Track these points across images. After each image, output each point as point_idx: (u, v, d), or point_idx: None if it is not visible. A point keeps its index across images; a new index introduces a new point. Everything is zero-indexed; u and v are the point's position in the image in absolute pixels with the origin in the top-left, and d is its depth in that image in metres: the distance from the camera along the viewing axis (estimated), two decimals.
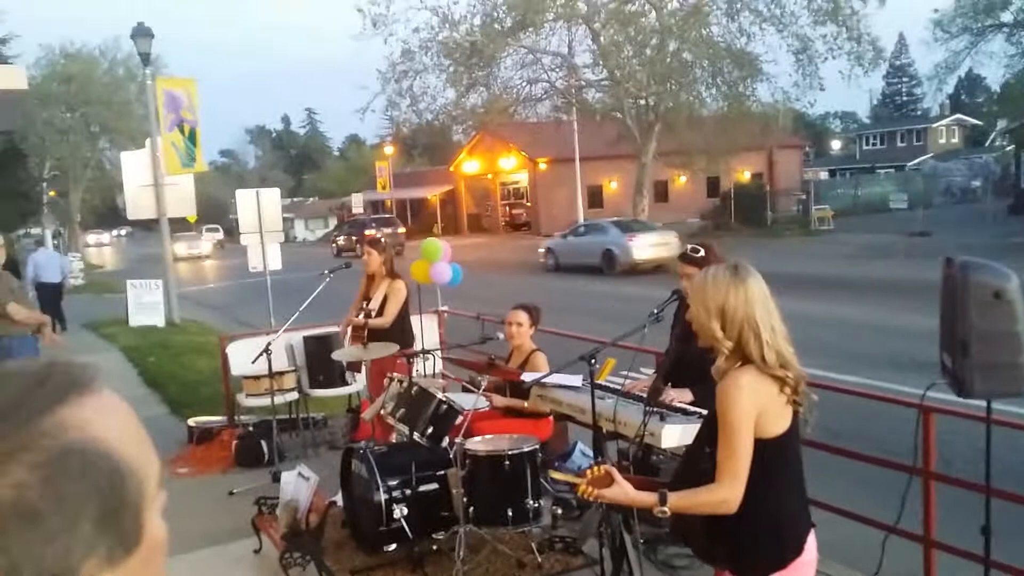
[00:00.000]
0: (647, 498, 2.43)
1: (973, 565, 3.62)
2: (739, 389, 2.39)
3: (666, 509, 2.41)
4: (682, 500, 2.42)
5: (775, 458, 2.44)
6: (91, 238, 67.35)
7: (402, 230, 38.94)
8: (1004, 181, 37.79)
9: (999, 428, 3.57)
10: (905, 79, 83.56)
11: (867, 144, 61.94)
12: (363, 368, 6.94)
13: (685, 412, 4.05)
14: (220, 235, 58.20)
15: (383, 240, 7.04)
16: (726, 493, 2.38)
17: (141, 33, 15.51)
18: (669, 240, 22.18)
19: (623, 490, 2.47)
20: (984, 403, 3.45)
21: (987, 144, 53.30)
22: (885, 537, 3.80)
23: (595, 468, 2.57)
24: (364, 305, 6.56)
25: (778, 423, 2.44)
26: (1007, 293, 3.25)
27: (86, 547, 0.69)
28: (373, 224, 37.12)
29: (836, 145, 75.70)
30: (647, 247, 21.74)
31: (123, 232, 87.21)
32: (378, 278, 6.71)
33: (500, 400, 5.54)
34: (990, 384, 3.30)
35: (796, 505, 2.57)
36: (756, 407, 2.40)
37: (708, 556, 2.75)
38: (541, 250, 25.91)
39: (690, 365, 3.97)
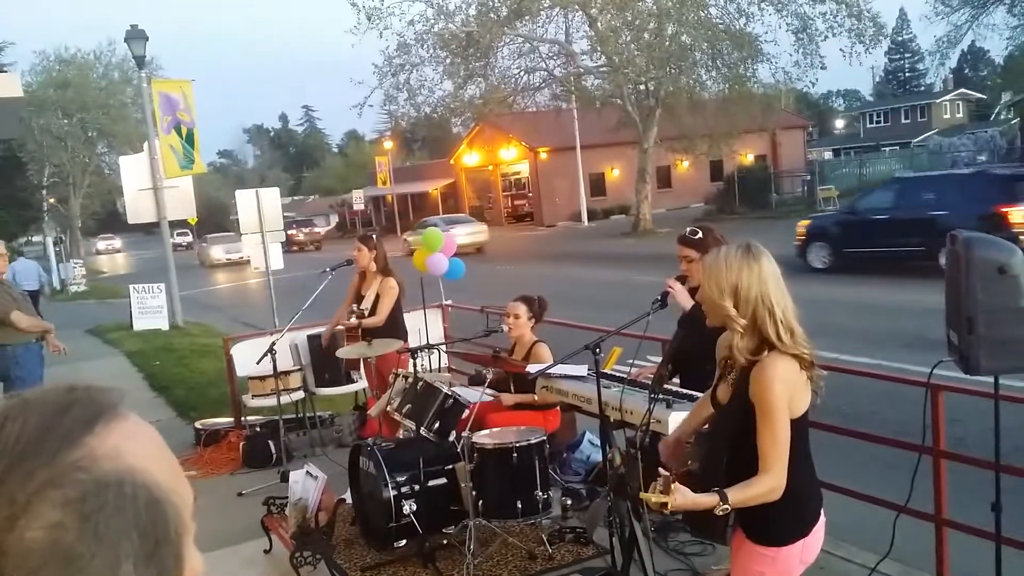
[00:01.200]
0: (709, 500, 2.42)
1: (985, 542, 3.59)
2: (776, 377, 2.44)
3: (728, 507, 2.42)
4: (739, 495, 2.44)
5: (799, 435, 2.51)
6: (101, 243, 66.14)
7: (320, 229, 45.26)
8: (1010, 155, 37.54)
9: (1010, 405, 3.54)
10: (907, 55, 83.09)
11: (871, 122, 61.59)
12: (363, 366, 6.93)
13: (691, 398, 4.02)
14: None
15: (372, 236, 6.99)
16: (776, 481, 2.44)
17: (135, 36, 15.48)
18: (481, 229, 31.15)
19: (683, 495, 2.42)
20: (992, 379, 3.42)
21: (992, 118, 52.90)
22: (896, 517, 3.77)
23: (661, 480, 2.50)
24: (355, 306, 6.54)
25: (802, 402, 2.51)
26: (1011, 268, 3.22)
27: None
28: (294, 225, 41.63)
29: (839, 124, 75.38)
30: (465, 236, 26.72)
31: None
32: (370, 275, 6.67)
33: (509, 398, 5.51)
34: (997, 360, 3.27)
35: (812, 475, 2.67)
36: (789, 391, 2.46)
37: (709, 531, 2.77)
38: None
39: (693, 351, 3.95)
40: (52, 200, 39.09)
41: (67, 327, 13.31)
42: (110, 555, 0.63)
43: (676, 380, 4.50)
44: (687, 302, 4.12)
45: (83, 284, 26.63)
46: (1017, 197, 13.09)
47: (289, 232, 49.37)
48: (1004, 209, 12.79)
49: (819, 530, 2.63)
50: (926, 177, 17.39)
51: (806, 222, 16.84)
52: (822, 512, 2.66)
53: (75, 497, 0.62)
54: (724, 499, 2.40)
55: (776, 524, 2.57)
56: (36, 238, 37.71)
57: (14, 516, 0.61)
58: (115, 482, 0.65)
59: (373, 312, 6.51)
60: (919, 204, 14.51)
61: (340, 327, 6.92)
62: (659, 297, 4.00)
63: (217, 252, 36.98)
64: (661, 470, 2.55)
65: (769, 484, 2.44)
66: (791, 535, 2.57)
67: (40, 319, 7.28)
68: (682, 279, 4.24)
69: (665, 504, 2.36)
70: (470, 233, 29.07)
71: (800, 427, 2.51)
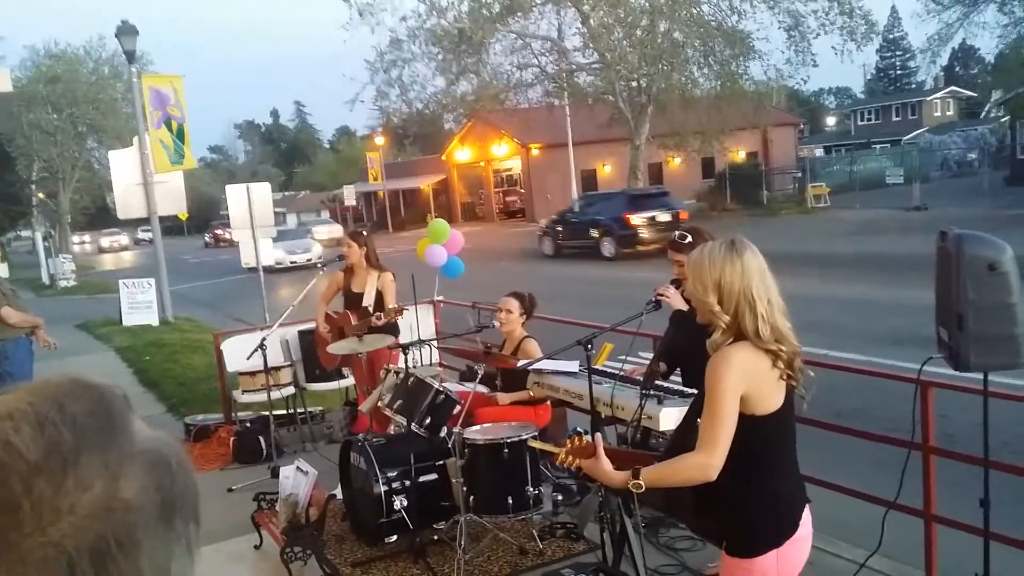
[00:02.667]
0: (620, 476, 2.42)
1: (974, 538, 3.61)
2: (726, 362, 2.39)
3: (640, 483, 2.40)
4: (656, 471, 2.42)
5: (768, 435, 2.44)
6: (105, 240, 59.90)
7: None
8: (1000, 153, 37.72)
9: (997, 401, 3.55)
10: (899, 52, 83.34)
11: (862, 119, 61.74)
12: (356, 362, 6.90)
13: (682, 394, 4.03)
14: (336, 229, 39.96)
15: (363, 232, 6.95)
16: (702, 458, 2.37)
17: (125, 31, 15.38)
18: (334, 229, 37.13)
19: (600, 465, 2.47)
20: (981, 376, 3.44)
21: (982, 116, 53.13)
22: (885, 513, 3.79)
23: (578, 438, 2.56)
24: (333, 311, 6.46)
25: (771, 400, 2.43)
26: (1001, 265, 3.23)
27: (191, 546, 0.72)
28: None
29: (831, 121, 75.59)
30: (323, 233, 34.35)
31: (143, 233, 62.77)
32: (360, 271, 6.61)
33: (505, 398, 5.50)
34: (986, 357, 3.29)
35: (790, 482, 2.56)
36: (745, 383, 2.39)
37: (708, 534, 2.76)
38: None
39: (685, 349, 3.95)
40: (41, 195, 38.81)
41: (56, 322, 13.20)
42: (186, 512, 0.72)
43: (675, 377, 4.51)
44: (682, 304, 4.12)
45: (72, 279, 26.48)
46: (639, 208, 21.67)
47: (216, 231, 50.52)
48: (627, 215, 21.52)
49: (800, 540, 2.50)
50: (595, 195, 27.47)
51: (543, 222, 24.46)
52: (806, 523, 2.53)
53: (157, 460, 0.71)
54: (636, 474, 2.39)
55: (745, 533, 2.48)
56: (25, 233, 37.44)
57: (116, 478, 0.67)
58: (173, 452, 0.74)
59: (378, 308, 6.40)
60: (590, 212, 23.28)
61: (333, 325, 6.88)
62: (652, 300, 4.01)
63: (280, 252, 24.62)
64: (594, 436, 2.57)
65: (695, 460, 2.37)
66: (762, 545, 2.46)
67: (31, 315, 7.25)
68: (676, 283, 4.23)
69: (578, 466, 2.49)
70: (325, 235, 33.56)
71: (769, 428, 2.42)
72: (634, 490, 2.41)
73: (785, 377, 2.44)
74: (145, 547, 0.67)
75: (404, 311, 6.31)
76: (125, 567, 0.65)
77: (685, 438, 2.60)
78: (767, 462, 2.46)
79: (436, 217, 8.82)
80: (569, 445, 2.56)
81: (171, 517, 0.69)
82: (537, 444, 2.91)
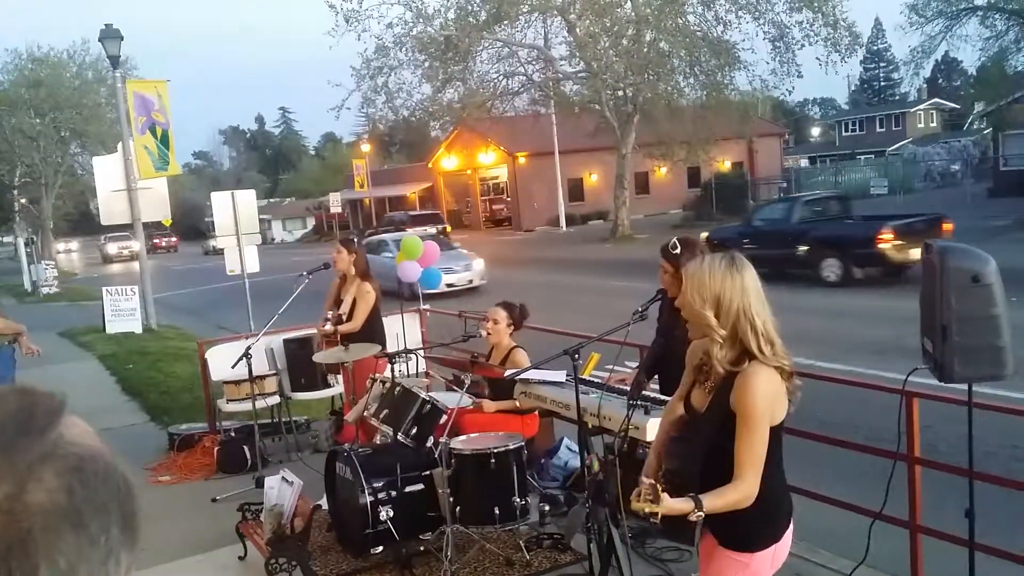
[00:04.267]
0: (683, 505, 2.41)
1: (959, 548, 3.63)
2: (760, 389, 2.45)
3: (702, 513, 2.41)
4: (712, 502, 2.44)
5: (774, 443, 2.53)
6: (112, 247, 49.05)
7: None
8: (983, 164, 38.13)
9: (982, 412, 3.58)
10: (882, 64, 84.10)
11: (846, 130, 62.25)
12: (342, 372, 6.89)
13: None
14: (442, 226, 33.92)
15: (354, 240, 6.96)
16: (750, 490, 2.45)
17: (109, 35, 15.30)
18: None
19: (667, 504, 2.41)
20: (965, 387, 3.46)
21: (965, 127, 53.70)
22: (871, 523, 3.80)
23: (646, 489, 2.49)
24: (331, 312, 6.51)
25: (781, 412, 2.53)
26: (985, 277, 3.26)
27: (117, 553, 0.71)
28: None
29: (816, 132, 76.12)
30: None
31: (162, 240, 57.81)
32: (349, 279, 6.63)
33: (491, 406, 5.48)
34: (970, 368, 3.31)
35: (783, 481, 2.68)
36: (771, 403, 2.47)
37: (675, 532, 2.78)
38: None
39: (671, 359, 3.96)
40: (24, 201, 38.54)
41: (38, 329, 13.07)
42: (103, 519, 0.71)
43: (655, 386, 4.51)
44: None
45: (55, 286, 26.25)
46: (887, 221, 15.18)
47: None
48: (878, 231, 14.73)
49: (789, 535, 2.66)
50: (802, 199, 18.70)
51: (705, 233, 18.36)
52: (791, 517, 2.69)
53: (73, 465, 0.70)
54: (699, 505, 2.40)
55: (750, 530, 2.58)
56: (7, 239, 37.09)
57: (22, 482, 0.67)
58: (99, 456, 0.73)
59: (351, 317, 6.48)
60: (798, 222, 16.51)
61: (318, 332, 6.88)
62: (639, 308, 4.02)
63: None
64: (644, 478, 2.54)
65: (743, 492, 2.45)
66: (764, 540, 2.58)
67: (14, 321, 7.17)
68: (662, 292, 4.24)
69: (656, 512, 2.36)
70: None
71: (776, 435, 2.54)
72: (696, 520, 2.42)
73: (788, 390, 2.54)
74: (44, 550, 0.66)
75: (340, 319, 6.43)
76: (22, 569, 0.65)
77: (698, 462, 2.59)
78: (771, 464, 2.53)
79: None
80: (649, 500, 2.46)
81: (83, 522, 0.69)
82: (644, 507, 2.62)
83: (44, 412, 0.73)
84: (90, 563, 0.69)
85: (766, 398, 2.46)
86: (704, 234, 17.49)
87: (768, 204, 21.76)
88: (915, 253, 11.98)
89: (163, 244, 57.69)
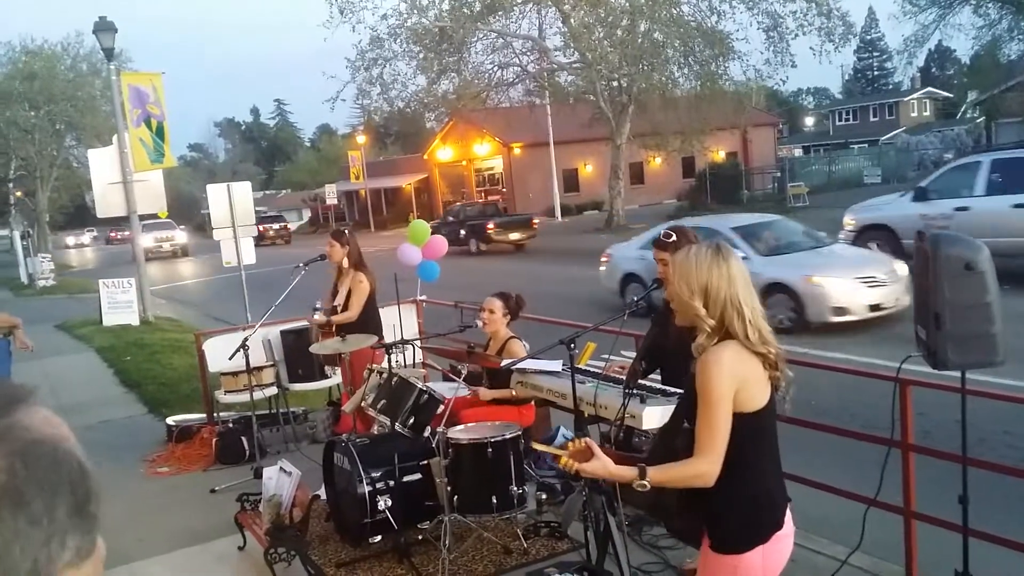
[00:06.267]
0: (626, 472, 2.43)
1: (953, 534, 3.67)
2: (719, 364, 2.41)
3: (646, 483, 2.42)
4: (661, 473, 2.43)
5: (753, 433, 2.47)
6: (146, 239, 29.49)
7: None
8: (976, 153, 38.14)
9: (975, 398, 3.61)
10: (876, 53, 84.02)
11: (840, 120, 62.26)
12: (342, 362, 6.90)
13: (665, 393, 4.05)
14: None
15: (345, 232, 6.96)
16: (704, 467, 2.40)
17: (103, 28, 15.24)
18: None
19: (603, 464, 2.48)
20: (959, 374, 3.49)
21: (958, 116, 53.75)
22: (866, 510, 3.84)
23: (576, 441, 2.58)
24: (319, 303, 6.54)
25: (757, 398, 2.46)
26: (978, 265, 3.28)
27: (62, 535, 0.73)
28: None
29: (809, 122, 76.09)
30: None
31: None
32: (344, 270, 6.64)
33: (487, 393, 5.51)
34: (964, 355, 3.34)
35: (773, 480, 2.60)
36: (736, 381, 2.42)
37: (686, 535, 2.77)
38: None
39: (666, 348, 3.99)
40: (19, 193, 38.43)
41: (35, 322, 13.09)
42: (48, 500, 0.73)
43: (655, 376, 4.53)
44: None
45: (51, 279, 26.20)
46: None
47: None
48: None
49: (784, 538, 2.54)
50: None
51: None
52: (788, 521, 2.56)
53: (19, 448, 0.72)
54: (643, 474, 2.40)
55: (733, 529, 2.50)
56: (3, 232, 36.97)
57: None
58: (50, 442, 0.75)
59: (346, 308, 6.50)
60: None
61: (313, 322, 6.88)
62: (635, 298, 4.04)
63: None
64: (584, 439, 2.59)
65: (697, 468, 2.40)
66: (749, 541, 2.48)
67: (7, 315, 7.17)
68: (659, 283, 4.26)
69: (575, 468, 2.46)
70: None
71: (756, 425, 2.46)
72: (639, 489, 2.43)
73: (771, 377, 2.49)
74: (2, 530, 0.69)
75: (334, 310, 6.44)
76: None
77: (671, 440, 2.61)
78: (754, 459, 2.49)
79: (418, 217, 8.85)
80: (570, 447, 2.56)
81: (22, 502, 0.70)
82: (541, 447, 2.92)
83: (1, 397, 0.76)
84: (28, 541, 0.71)
85: (728, 376, 2.40)
86: None
87: None
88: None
89: (119, 237, 56.37)
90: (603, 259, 12.98)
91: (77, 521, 0.74)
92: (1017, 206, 11.75)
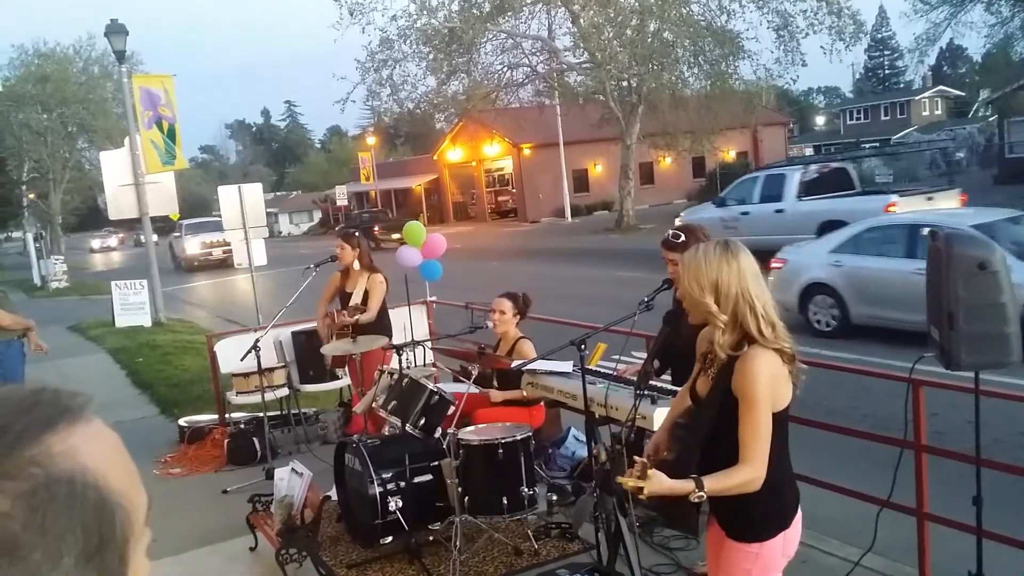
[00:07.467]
0: (684, 486, 2.43)
1: (966, 536, 3.64)
2: (760, 376, 2.44)
3: (703, 494, 2.43)
4: (715, 484, 2.44)
5: (780, 428, 2.53)
6: (191, 242, 32.06)
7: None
8: (988, 151, 37.92)
9: (988, 399, 3.58)
10: (887, 52, 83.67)
11: (851, 119, 61.94)
12: (351, 363, 6.91)
13: (675, 394, 4.04)
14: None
15: (354, 233, 6.94)
16: (756, 473, 2.44)
17: (115, 30, 15.32)
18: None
19: (659, 480, 2.43)
20: (972, 374, 3.46)
21: (970, 115, 53.46)
22: (879, 511, 3.82)
23: (635, 465, 2.51)
24: (337, 306, 6.48)
25: (784, 396, 2.52)
26: (991, 264, 3.26)
27: None
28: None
29: (820, 121, 75.76)
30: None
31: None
32: (354, 272, 6.62)
33: (498, 395, 5.51)
34: (977, 356, 3.31)
35: (789, 467, 2.68)
36: (773, 386, 2.46)
37: (676, 521, 2.78)
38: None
39: (677, 348, 3.97)
40: (32, 196, 38.65)
41: (48, 324, 13.21)
42: (52, 548, 0.65)
43: (667, 376, 4.52)
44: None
45: (64, 280, 26.36)
46: None
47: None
48: None
49: (798, 522, 2.65)
50: None
51: None
52: (798, 505, 2.68)
53: (26, 490, 0.65)
54: (700, 486, 2.41)
55: (758, 519, 2.58)
56: (16, 234, 37.19)
57: None
58: (67, 479, 0.67)
59: (364, 309, 6.45)
60: None
61: (328, 324, 6.88)
62: (644, 299, 4.04)
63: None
64: (636, 457, 2.56)
65: (748, 475, 2.44)
66: (773, 528, 2.58)
67: (22, 317, 7.22)
68: (669, 283, 4.24)
69: (641, 488, 2.38)
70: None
71: (780, 421, 2.53)
72: (697, 500, 2.44)
73: (790, 374, 2.52)
74: None
75: (362, 311, 6.30)
76: None
77: (722, 446, 2.54)
78: (779, 452, 2.53)
79: (425, 217, 8.84)
80: (637, 476, 2.46)
81: (16, 555, 0.63)
82: (627, 482, 2.63)
83: (33, 420, 0.68)
84: None
85: (767, 380, 2.45)
86: None
87: None
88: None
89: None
90: (775, 265, 10.33)
91: (90, 564, 0.67)
92: (778, 211, 15.27)
